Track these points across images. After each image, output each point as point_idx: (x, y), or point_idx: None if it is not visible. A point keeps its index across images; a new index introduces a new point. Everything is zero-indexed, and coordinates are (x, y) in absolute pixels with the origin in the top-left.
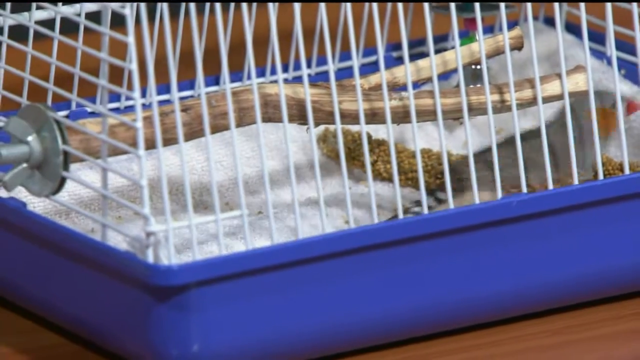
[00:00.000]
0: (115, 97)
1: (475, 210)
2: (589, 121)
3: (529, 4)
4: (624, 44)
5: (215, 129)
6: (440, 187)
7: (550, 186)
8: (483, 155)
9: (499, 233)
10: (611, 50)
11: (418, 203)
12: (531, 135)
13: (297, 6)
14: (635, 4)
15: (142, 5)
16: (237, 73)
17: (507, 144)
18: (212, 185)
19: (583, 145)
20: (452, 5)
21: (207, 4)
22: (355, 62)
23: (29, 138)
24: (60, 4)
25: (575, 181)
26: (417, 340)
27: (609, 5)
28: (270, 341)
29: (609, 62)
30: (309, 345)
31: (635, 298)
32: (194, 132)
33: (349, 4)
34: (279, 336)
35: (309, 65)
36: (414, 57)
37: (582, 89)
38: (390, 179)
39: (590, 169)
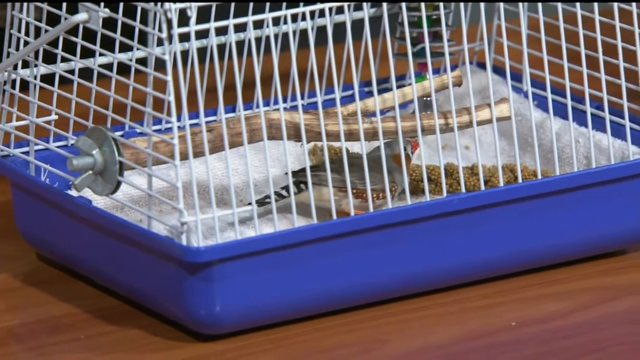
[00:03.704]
0: (157, 121)
1: (425, 206)
2: (396, 161)
3: (466, 53)
4: (536, 82)
5: (232, 145)
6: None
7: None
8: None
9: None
10: (527, 86)
11: (284, 189)
12: (356, 160)
13: (293, 55)
14: (545, 51)
15: (178, 52)
16: (248, 103)
17: (340, 162)
18: (230, 186)
19: (392, 174)
20: (409, 52)
21: (226, 52)
22: (337, 95)
23: (94, 152)
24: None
25: (388, 192)
26: (375, 304)
27: (525, 54)
28: (271, 304)
29: (525, 96)
30: (299, 308)
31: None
32: (216, 147)
33: (332, 53)
34: (277, 300)
35: (302, 98)
36: (381, 91)
37: (505, 115)
38: None
39: (401, 188)
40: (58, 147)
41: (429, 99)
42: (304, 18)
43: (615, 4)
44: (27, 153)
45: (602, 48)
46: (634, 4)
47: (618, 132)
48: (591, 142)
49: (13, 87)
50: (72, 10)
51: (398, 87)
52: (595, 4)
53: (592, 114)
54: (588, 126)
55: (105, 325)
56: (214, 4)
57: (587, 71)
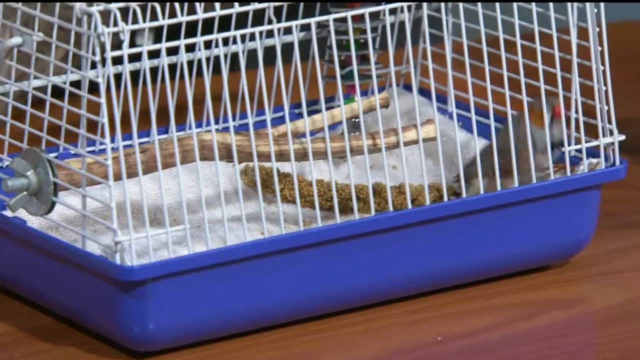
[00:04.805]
0: (91, 142)
1: (352, 224)
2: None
3: (393, 76)
4: (460, 104)
5: (165, 166)
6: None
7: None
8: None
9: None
10: (452, 108)
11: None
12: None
13: (225, 77)
14: (469, 74)
15: (112, 75)
16: (181, 125)
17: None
18: (163, 206)
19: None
20: (338, 74)
21: (159, 75)
22: (268, 116)
23: (28, 173)
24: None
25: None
26: (305, 321)
27: (450, 77)
28: (204, 321)
29: (450, 117)
30: (231, 324)
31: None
32: (149, 168)
33: (262, 76)
34: (210, 317)
35: (234, 119)
36: (310, 113)
37: (431, 135)
38: (293, 202)
39: (550, 150)
40: None
41: (357, 120)
42: (234, 42)
43: (536, 28)
44: None
45: (523, 71)
46: (553, 27)
47: None
48: (514, 162)
49: None
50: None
51: (327, 108)
52: (517, 28)
53: None
54: (511, 146)
55: (41, 343)
56: (146, 28)
57: (510, 93)
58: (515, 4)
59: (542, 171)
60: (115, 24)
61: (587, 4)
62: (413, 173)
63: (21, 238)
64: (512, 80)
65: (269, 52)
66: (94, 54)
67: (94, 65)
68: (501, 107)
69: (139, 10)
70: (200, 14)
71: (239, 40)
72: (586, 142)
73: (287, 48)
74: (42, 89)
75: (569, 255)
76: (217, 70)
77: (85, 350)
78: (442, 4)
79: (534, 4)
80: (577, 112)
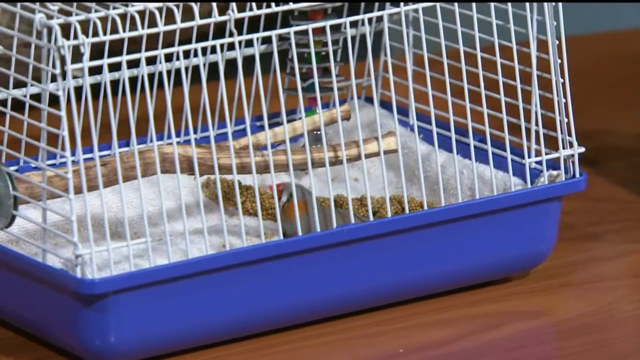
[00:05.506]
0: (52, 155)
1: (317, 236)
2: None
3: (354, 88)
4: (422, 116)
5: (126, 179)
6: None
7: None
8: None
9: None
10: (413, 120)
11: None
12: None
13: (186, 90)
14: (430, 86)
15: (72, 88)
16: (142, 137)
17: None
18: (124, 219)
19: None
20: (299, 87)
21: (120, 88)
22: (229, 129)
23: None
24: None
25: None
26: (268, 333)
27: (411, 90)
28: (166, 334)
29: (412, 129)
30: (193, 337)
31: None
32: (110, 181)
33: (224, 89)
34: (172, 330)
35: (195, 132)
36: (272, 126)
37: (392, 148)
38: (255, 214)
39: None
40: None
41: (318, 132)
42: (196, 54)
43: (497, 40)
44: None
45: (483, 83)
46: (513, 39)
47: (500, 164)
48: (475, 174)
49: None
50: None
51: (289, 121)
52: (477, 41)
53: (475, 147)
54: (472, 158)
55: (1, 357)
56: (107, 41)
57: (470, 105)
58: (475, 16)
59: None
60: (76, 37)
61: (547, 17)
62: (375, 185)
63: None
64: (473, 92)
65: (230, 65)
66: (54, 67)
67: (54, 79)
68: (462, 120)
69: (99, 24)
70: (161, 27)
71: (199, 52)
72: (546, 154)
73: (249, 60)
74: (2, 102)
75: (529, 267)
76: (178, 82)
77: None
78: (403, 17)
79: (493, 16)
80: (537, 124)
